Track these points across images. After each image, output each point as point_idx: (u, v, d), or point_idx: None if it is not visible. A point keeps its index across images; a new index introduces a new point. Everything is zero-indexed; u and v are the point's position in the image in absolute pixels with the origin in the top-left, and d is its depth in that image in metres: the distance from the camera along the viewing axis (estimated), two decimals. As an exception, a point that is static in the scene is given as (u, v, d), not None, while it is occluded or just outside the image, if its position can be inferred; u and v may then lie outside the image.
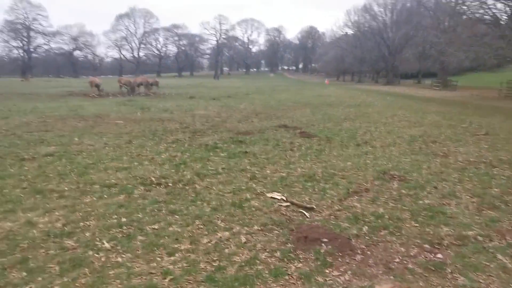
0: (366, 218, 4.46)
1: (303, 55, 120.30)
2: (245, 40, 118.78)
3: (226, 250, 3.62)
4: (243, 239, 3.85)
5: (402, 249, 3.72)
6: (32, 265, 3.25)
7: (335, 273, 3.27)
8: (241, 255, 3.54)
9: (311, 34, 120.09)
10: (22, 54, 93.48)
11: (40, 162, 6.78)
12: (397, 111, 16.82)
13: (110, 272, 3.17)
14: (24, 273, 3.12)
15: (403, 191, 5.49)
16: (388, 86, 50.74)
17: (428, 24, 48.74)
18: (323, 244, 3.74)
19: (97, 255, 3.46)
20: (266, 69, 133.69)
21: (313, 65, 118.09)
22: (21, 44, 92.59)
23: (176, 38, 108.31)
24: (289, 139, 9.47)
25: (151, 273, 3.19)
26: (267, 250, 3.63)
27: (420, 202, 5.04)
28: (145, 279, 3.11)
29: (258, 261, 3.41)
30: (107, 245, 3.66)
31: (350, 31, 76.89)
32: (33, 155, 7.26)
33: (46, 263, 3.30)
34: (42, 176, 5.92)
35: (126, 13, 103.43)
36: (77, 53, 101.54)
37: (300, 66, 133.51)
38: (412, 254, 3.63)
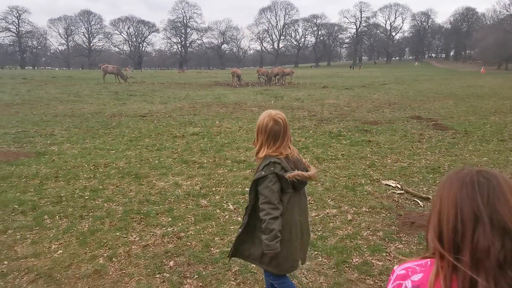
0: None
1: (455, 41, 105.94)
2: (387, 27, 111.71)
3: (331, 224, 3.94)
4: (349, 217, 4.10)
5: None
6: (175, 214, 4.17)
7: (437, 258, 3.27)
8: (344, 230, 3.81)
9: (467, 16, 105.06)
10: (180, 49, 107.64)
11: (188, 139, 8.12)
12: None
13: (231, 227, 3.85)
14: (170, 219, 4.05)
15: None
16: None
17: None
18: (429, 232, 3.71)
19: (222, 213, 4.20)
20: (411, 57, 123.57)
21: (467, 52, 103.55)
22: (179, 40, 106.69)
23: (315, 28, 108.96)
24: (419, 131, 9.01)
25: (263, 232, 3.74)
26: (370, 229, 3.81)
27: None
28: (257, 236, 3.67)
29: (359, 237, 3.64)
30: (231, 206, 4.38)
31: (518, 10, 65.24)
32: (183, 133, 8.70)
33: (185, 214, 4.18)
34: (188, 150, 7.14)
35: (268, 6, 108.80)
36: (224, 46, 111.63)
37: (451, 53, 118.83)
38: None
